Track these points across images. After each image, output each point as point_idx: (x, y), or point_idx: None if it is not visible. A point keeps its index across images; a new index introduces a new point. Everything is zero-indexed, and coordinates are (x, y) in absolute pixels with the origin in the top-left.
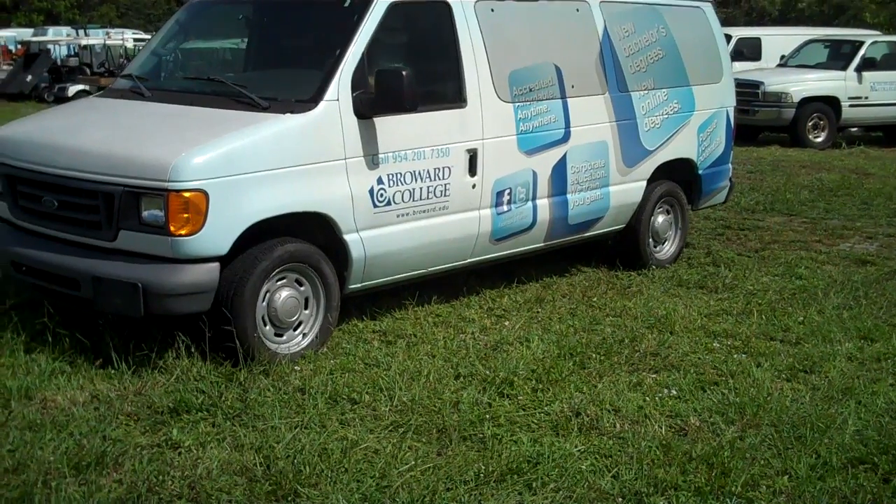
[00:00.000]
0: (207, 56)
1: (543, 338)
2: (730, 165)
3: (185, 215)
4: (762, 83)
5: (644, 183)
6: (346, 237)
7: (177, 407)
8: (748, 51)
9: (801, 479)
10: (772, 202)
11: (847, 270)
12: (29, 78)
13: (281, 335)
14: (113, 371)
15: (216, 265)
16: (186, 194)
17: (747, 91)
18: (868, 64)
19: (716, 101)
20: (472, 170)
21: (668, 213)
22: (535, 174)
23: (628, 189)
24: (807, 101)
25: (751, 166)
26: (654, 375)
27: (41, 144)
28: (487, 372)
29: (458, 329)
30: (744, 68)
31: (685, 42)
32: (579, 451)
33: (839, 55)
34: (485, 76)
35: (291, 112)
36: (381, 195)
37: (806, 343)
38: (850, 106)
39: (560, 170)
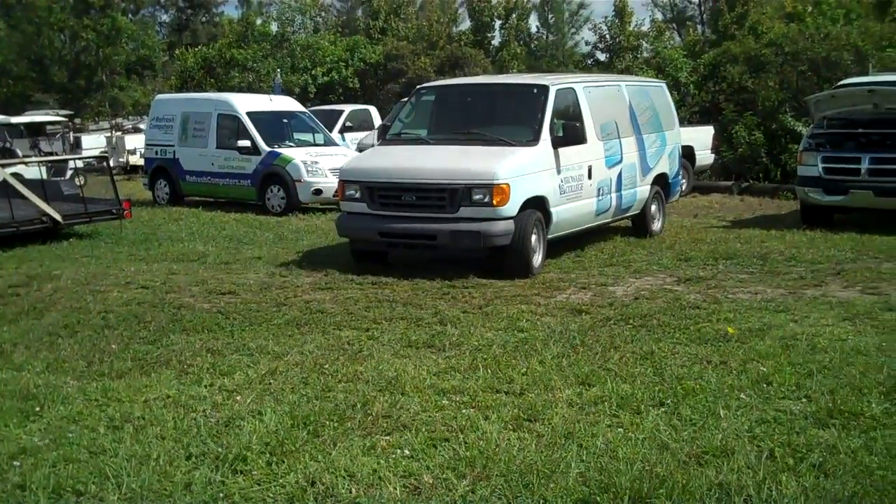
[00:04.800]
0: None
1: (276, 409)
2: (680, 178)
3: (501, 195)
4: None
5: (649, 187)
6: (551, 209)
7: None
8: None
9: None
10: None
11: (564, 320)
12: None
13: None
14: None
15: (512, 221)
16: (503, 185)
17: None
18: None
19: (674, 140)
20: (590, 177)
21: (657, 204)
22: (611, 179)
23: (643, 189)
24: None
25: None
26: (387, 437)
27: (395, 169)
28: (220, 449)
29: (189, 408)
30: None
31: (658, 105)
32: None
33: None
34: (591, 127)
35: (528, 146)
36: (562, 188)
37: (529, 393)
38: None
39: (619, 177)
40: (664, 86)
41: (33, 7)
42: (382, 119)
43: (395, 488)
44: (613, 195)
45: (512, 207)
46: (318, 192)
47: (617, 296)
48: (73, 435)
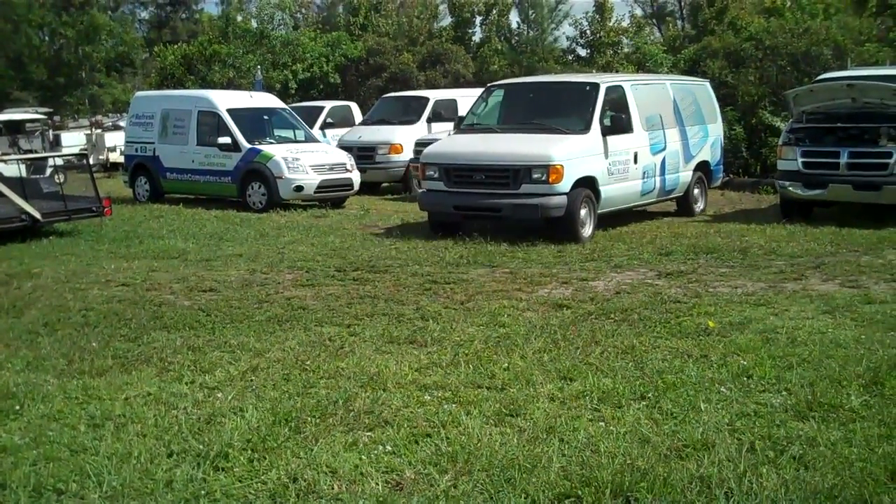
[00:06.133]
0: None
1: (258, 406)
2: (722, 166)
3: (556, 175)
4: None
5: (691, 172)
6: (600, 188)
7: None
8: (445, 112)
9: None
10: (474, 255)
11: (546, 315)
12: None
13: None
14: None
15: (565, 197)
16: (558, 166)
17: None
18: None
19: (716, 132)
20: (636, 161)
21: (699, 188)
22: (655, 164)
23: (686, 174)
24: None
25: None
26: (368, 433)
27: (468, 153)
28: (201, 446)
29: (170, 405)
30: (438, 129)
31: (701, 101)
32: None
33: None
34: (637, 119)
35: (581, 134)
36: (610, 170)
37: (511, 388)
38: None
39: (663, 163)
40: (707, 84)
41: (11, 4)
42: (363, 115)
43: (377, 484)
44: (657, 178)
45: (565, 185)
46: (300, 188)
47: (598, 290)
48: (53, 433)
